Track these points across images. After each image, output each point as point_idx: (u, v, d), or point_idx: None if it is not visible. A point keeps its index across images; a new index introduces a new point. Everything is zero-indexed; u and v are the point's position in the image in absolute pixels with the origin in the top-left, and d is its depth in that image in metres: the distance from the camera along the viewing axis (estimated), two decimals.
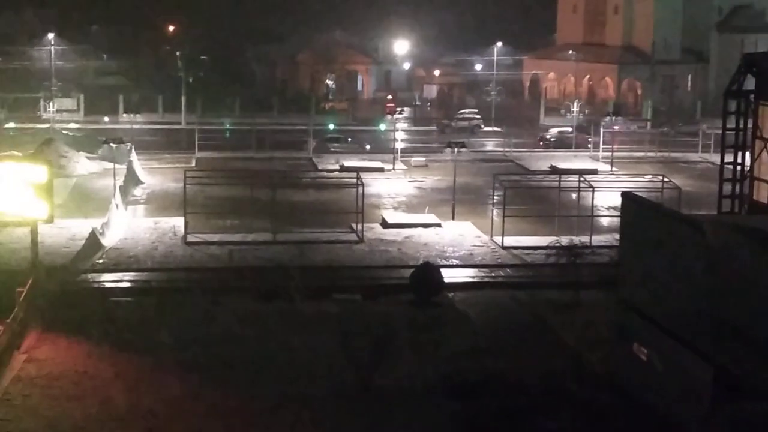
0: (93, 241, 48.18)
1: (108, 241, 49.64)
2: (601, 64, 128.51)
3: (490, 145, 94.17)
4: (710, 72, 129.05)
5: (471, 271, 47.03)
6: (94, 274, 44.87)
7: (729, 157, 46.26)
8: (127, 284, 44.17)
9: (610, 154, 79.48)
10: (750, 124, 45.98)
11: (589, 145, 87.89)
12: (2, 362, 33.29)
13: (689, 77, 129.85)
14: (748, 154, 46.24)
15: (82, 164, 71.61)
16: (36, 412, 30.09)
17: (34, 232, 39.95)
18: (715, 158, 54.32)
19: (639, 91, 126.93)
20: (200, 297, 40.91)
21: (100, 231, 49.67)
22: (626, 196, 35.60)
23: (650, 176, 61.70)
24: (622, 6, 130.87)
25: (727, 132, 46.54)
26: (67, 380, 32.57)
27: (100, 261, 46.81)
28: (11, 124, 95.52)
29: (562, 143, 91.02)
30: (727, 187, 46.62)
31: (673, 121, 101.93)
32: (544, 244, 48.73)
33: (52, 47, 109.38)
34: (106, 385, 32.24)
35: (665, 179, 56.70)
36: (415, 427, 29.55)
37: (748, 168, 46.23)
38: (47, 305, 38.59)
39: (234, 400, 31.25)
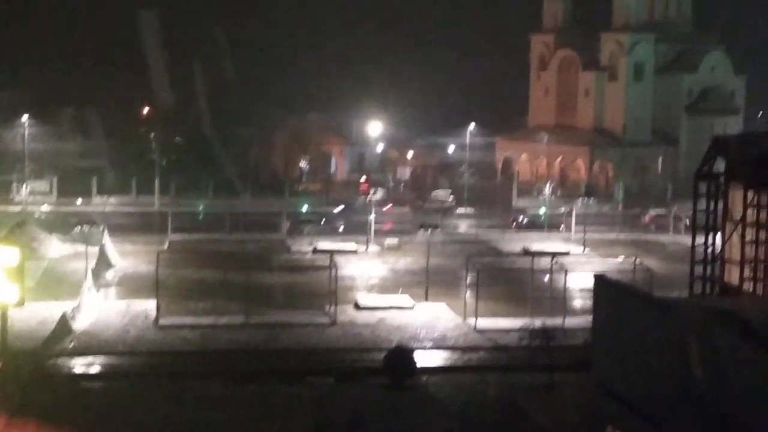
0: (64, 324, 47.79)
1: (79, 324, 49.24)
2: (572, 146, 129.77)
3: (463, 226, 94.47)
4: (681, 154, 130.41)
5: (444, 354, 46.86)
6: (65, 359, 44.42)
7: (700, 239, 46.55)
8: (97, 368, 43.73)
9: (582, 235, 79.83)
10: (720, 206, 46.38)
11: (562, 227, 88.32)
12: None
13: (660, 159, 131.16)
14: (719, 236, 46.57)
15: (55, 247, 71.27)
16: None
17: (4, 316, 39.66)
18: (686, 240, 54.59)
19: (610, 173, 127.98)
20: (171, 381, 40.51)
21: (71, 314, 49.31)
22: (599, 278, 35.69)
23: (622, 258, 62.01)
24: (593, 89, 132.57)
25: (699, 213, 46.90)
26: None
27: (71, 345, 46.38)
28: None
29: (534, 224, 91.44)
30: (699, 269, 46.83)
31: (645, 202, 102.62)
32: (518, 327, 48.58)
33: (26, 129, 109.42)
34: None
35: (637, 261, 56.94)
36: None
37: (719, 250, 46.52)
38: (17, 390, 38.11)
39: None
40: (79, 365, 43.93)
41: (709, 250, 46.68)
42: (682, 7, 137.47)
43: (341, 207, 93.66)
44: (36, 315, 49.40)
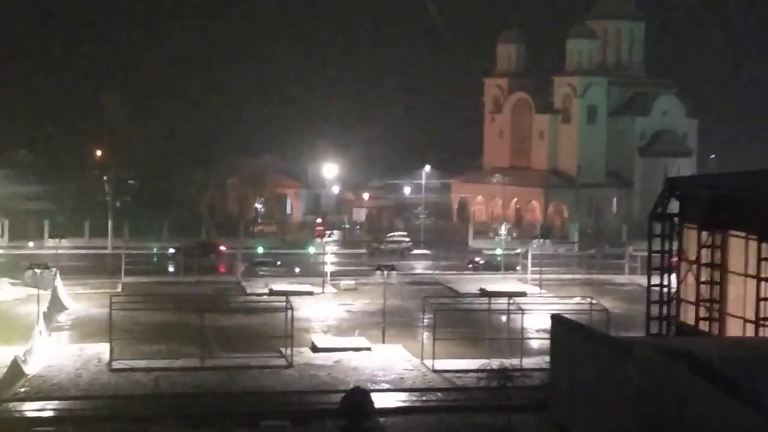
0: (15, 369, 47.00)
1: (31, 368, 48.44)
2: (527, 187, 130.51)
3: (420, 267, 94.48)
4: (634, 195, 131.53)
5: (402, 396, 46.58)
6: (17, 403, 43.65)
7: (656, 279, 46.77)
8: (50, 413, 42.98)
9: (538, 276, 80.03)
10: (675, 246, 46.69)
11: (518, 268, 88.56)
12: None
13: (614, 200, 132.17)
14: (674, 276, 46.82)
15: (5, 290, 70.38)
16: None
17: None
18: (642, 280, 54.87)
19: (565, 214, 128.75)
20: (126, 425, 39.95)
21: (23, 358, 48.51)
22: (555, 318, 35.74)
23: (579, 298, 62.07)
24: (547, 131, 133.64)
25: (653, 254, 47.17)
26: None
27: (23, 389, 45.58)
28: None
29: (490, 265, 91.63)
30: (655, 309, 47.03)
31: (600, 243, 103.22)
32: (475, 367, 48.39)
33: None
34: None
35: (593, 301, 57.08)
36: None
37: (675, 290, 46.75)
38: None
39: None
40: (32, 410, 43.15)
41: (665, 290, 46.90)
42: (634, 51, 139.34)
43: (173, 250, 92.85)
44: None
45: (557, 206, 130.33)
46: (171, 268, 72.18)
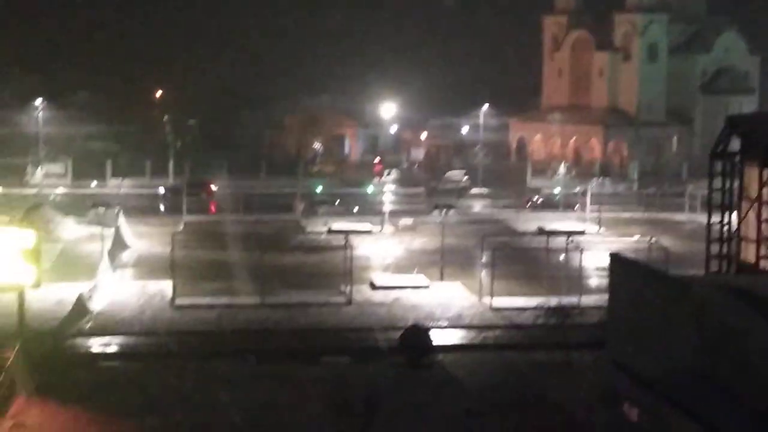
0: (80, 305, 48.00)
1: (96, 305, 49.45)
2: (586, 126, 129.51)
3: (478, 206, 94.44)
4: (695, 133, 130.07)
5: (460, 333, 46.89)
6: (82, 339, 44.61)
7: (716, 217, 46.48)
8: (114, 348, 43.92)
9: (597, 215, 79.71)
10: (736, 185, 46.30)
11: (577, 206, 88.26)
12: None
13: (674, 138, 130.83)
14: (735, 214, 46.48)
15: (70, 229, 71.47)
16: None
17: (21, 297, 39.76)
18: (702, 218, 54.49)
19: (625, 153, 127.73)
20: (188, 361, 40.69)
21: (88, 295, 49.52)
22: (614, 256, 35.66)
23: (638, 237, 61.90)
24: (607, 69, 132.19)
25: (714, 192, 46.84)
26: None
27: (88, 325, 46.57)
28: None
29: (549, 204, 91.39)
30: (715, 247, 46.78)
31: (660, 181, 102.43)
32: (533, 305, 48.65)
33: (40, 113, 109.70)
34: None
35: (652, 239, 56.88)
36: None
37: (736, 228, 46.44)
38: (34, 370, 38.29)
39: None
40: (97, 345, 44.13)
41: (725, 228, 46.63)
42: None
43: (162, 189, 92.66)
44: (52, 296, 49.51)
45: (616, 145, 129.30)
46: (162, 208, 71.50)
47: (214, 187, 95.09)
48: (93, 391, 37.20)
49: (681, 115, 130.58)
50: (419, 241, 71.11)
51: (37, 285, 39.60)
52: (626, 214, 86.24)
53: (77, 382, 38.07)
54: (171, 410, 35.46)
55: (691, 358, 29.20)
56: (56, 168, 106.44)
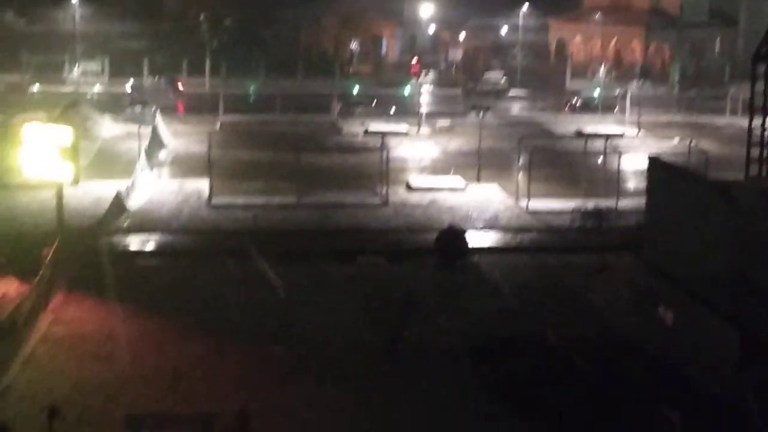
0: (118, 203, 48.33)
1: (133, 203, 49.77)
2: (627, 27, 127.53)
3: (516, 108, 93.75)
4: (739, 35, 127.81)
5: (496, 235, 46.86)
6: (120, 236, 44.99)
7: (757, 121, 45.87)
8: (152, 246, 44.27)
9: (636, 117, 78.91)
10: None
11: (616, 109, 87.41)
12: (29, 323, 33.48)
13: (717, 40, 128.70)
14: None
15: (107, 127, 71.69)
16: (63, 372, 30.22)
17: (59, 194, 40.03)
18: (743, 122, 53.82)
19: (666, 54, 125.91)
20: (224, 260, 40.99)
21: (125, 193, 49.82)
22: (653, 159, 35.40)
23: (677, 140, 61.32)
24: None
25: (756, 95, 46.16)
26: (94, 341, 32.73)
27: (126, 223, 46.91)
28: (36, 87, 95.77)
29: (588, 106, 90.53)
30: (755, 151, 46.25)
31: (701, 84, 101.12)
32: (570, 208, 48.50)
33: (77, 10, 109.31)
34: (131, 345, 32.37)
35: (692, 143, 56.32)
36: (441, 390, 29.50)
37: None
38: (73, 266, 38.75)
39: (257, 361, 31.31)
40: (134, 243, 44.50)
41: (766, 132, 46.03)
42: None
43: (129, 88, 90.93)
44: (90, 194, 49.90)
45: (658, 46, 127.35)
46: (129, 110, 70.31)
47: (181, 87, 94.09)
48: (130, 288, 37.65)
49: (725, 16, 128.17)
50: (456, 143, 70.80)
51: (75, 182, 39.83)
52: (666, 117, 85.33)
53: (114, 278, 38.50)
54: (206, 308, 35.84)
55: (728, 262, 29.08)
56: (93, 66, 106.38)
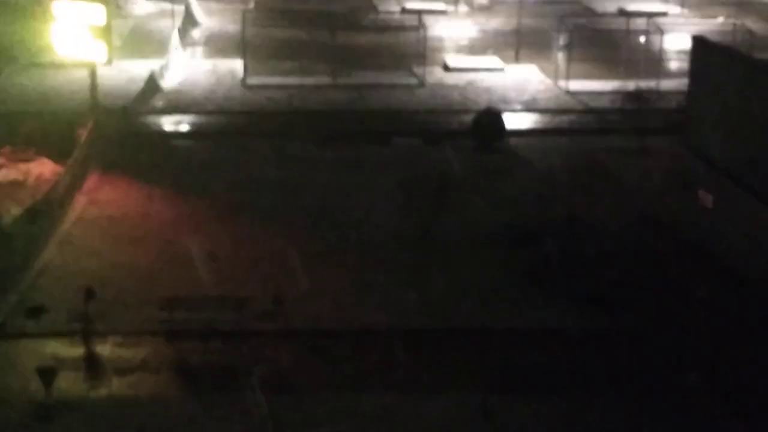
0: (152, 83, 47.94)
1: (167, 83, 49.39)
2: None
3: None
4: None
5: (534, 117, 46.20)
6: (154, 116, 44.72)
7: None
8: (187, 127, 44.03)
9: None
10: None
11: None
12: (64, 203, 33.54)
13: None
14: None
15: (140, 5, 70.73)
16: (98, 254, 30.35)
17: (92, 74, 39.75)
18: None
19: None
20: (260, 140, 40.78)
21: (159, 73, 49.41)
22: (697, 39, 34.49)
23: (722, 18, 59.88)
24: None
25: None
26: (129, 222, 32.80)
27: (160, 103, 46.61)
28: None
29: None
30: None
31: None
32: (610, 89, 47.67)
33: None
34: (166, 226, 32.42)
35: (737, 22, 54.99)
36: (477, 273, 29.40)
37: None
38: (108, 147, 38.65)
39: (293, 243, 31.23)
40: (168, 123, 44.26)
41: None
42: None
43: None
44: (124, 73, 49.41)
45: None
46: None
47: None
48: (164, 169, 37.57)
49: None
50: (495, 22, 69.45)
51: (108, 62, 39.53)
52: None
53: (149, 159, 38.40)
54: (241, 189, 35.74)
55: None
56: None
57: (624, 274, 28.56)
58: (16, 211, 32.20)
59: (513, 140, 42.16)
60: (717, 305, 26.91)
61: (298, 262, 29.67)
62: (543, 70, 53.68)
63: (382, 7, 74.79)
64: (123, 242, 31.23)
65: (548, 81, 51.69)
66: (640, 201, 35.03)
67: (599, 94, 48.32)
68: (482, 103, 46.48)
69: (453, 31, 66.05)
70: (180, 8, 62.99)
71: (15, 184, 35.25)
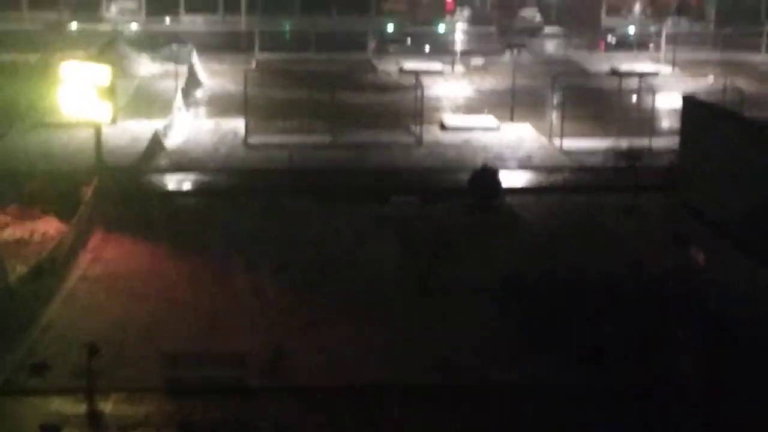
0: (156, 142, 48.77)
1: (171, 142, 50.20)
2: None
3: (551, 46, 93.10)
4: None
5: (529, 175, 46.99)
6: (157, 175, 45.47)
7: None
8: (189, 185, 44.76)
9: (671, 55, 78.26)
10: None
11: (651, 46, 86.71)
12: (68, 261, 34.11)
13: None
14: None
15: (144, 65, 71.94)
16: (102, 311, 30.84)
17: (97, 133, 40.55)
18: None
19: None
20: (261, 198, 41.43)
21: (163, 132, 50.25)
22: (687, 98, 35.33)
23: (712, 78, 60.87)
24: None
25: None
26: (133, 279, 33.33)
27: (163, 162, 47.37)
28: (74, 25, 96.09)
29: (623, 44, 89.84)
30: None
31: (737, 21, 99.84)
32: (604, 147, 48.49)
33: None
34: (170, 284, 32.95)
35: (728, 81, 55.98)
36: (474, 327, 29.91)
37: None
38: (112, 205, 39.32)
39: (293, 298, 31.82)
40: (172, 182, 45.00)
41: None
42: None
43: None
44: (128, 132, 50.43)
45: None
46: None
47: None
48: (167, 227, 38.21)
49: None
50: (490, 82, 70.61)
51: (113, 121, 40.37)
52: (702, 55, 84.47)
53: (152, 217, 39.06)
54: (243, 245, 36.34)
55: (763, 203, 29.10)
56: (130, 4, 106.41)
57: (619, 329, 29.07)
58: (21, 269, 32.81)
59: (509, 197, 42.89)
60: (712, 360, 27.28)
61: (299, 318, 30.26)
62: (537, 128, 54.62)
63: (380, 67, 75.99)
64: (126, 299, 31.74)
65: (543, 139, 52.57)
66: (633, 257, 35.65)
67: (593, 152, 49.15)
68: (478, 161, 47.24)
69: (449, 91, 67.13)
70: (183, 69, 64.07)
71: (20, 243, 35.84)
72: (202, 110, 60.76)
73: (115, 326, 29.67)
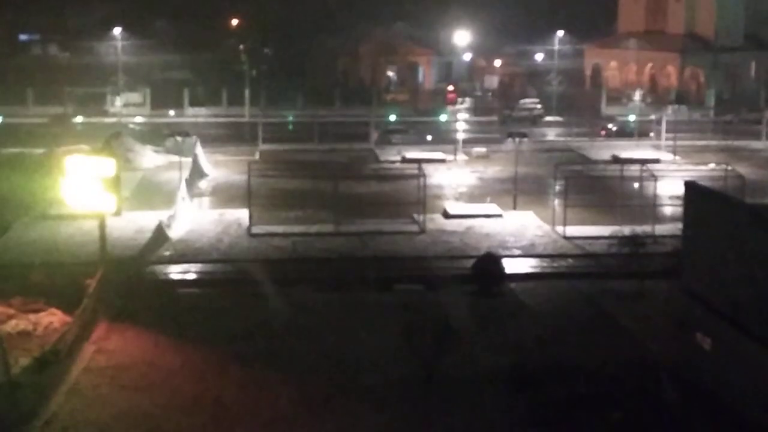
0: (160, 233, 48.96)
1: (174, 233, 50.38)
2: (662, 52, 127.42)
3: (552, 134, 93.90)
4: None
5: (533, 262, 47.07)
6: (162, 266, 45.58)
7: None
8: (193, 276, 44.83)
9: (672, 142, 78.86)
10: None
11: (652, 134, 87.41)
12: (72, 353, 34.03)
13: (753, 64, 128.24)
14: None
15: (149, 158, 72.58)
16: (105, 402, 30.69)
17: (102, 225, 40.70)
18: None
19: (702, 79, 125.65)
20: (264, 288, 41.44)
21: (167, 223, 50.45)
22: (689, 185, 35.47)
23: (714, 165, 61.22)
24: None
25: None
26: (136, 371, 33.20)
27: (167, 253, 47.52)
28: (79, 119, 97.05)
29: (623, 132, 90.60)
30: None
31: (737, 109, 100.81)
32: (607, 234, 48.57)
33: (119, 42, 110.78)
34: (173, 375, 32.82)
35: (729, 167, 56.30)
36: (479, 417, 29.73)
37: None
38: (116, 297, 39.33)
39: (299, 389, 31.67)
40: (176, 272, 45.07)
41: None
42: None
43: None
44: (133, 224, 50.69)
45: (693, 71, 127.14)
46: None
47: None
48: (173, 318, 38.16)
49: (760, 40, 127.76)
50: (492, 170, 71.09)
51: (117, 213, 40.55)
52: (702, 142, 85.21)
53: (157, 308, 39.05)
54: (247, 337, 36.24)
55: (766, 288, 29.08)
56: (135, 97, 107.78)
57: (626, 417, 28.88)
58: (25, 361, 32.75)
59: (513, 284, 42.89)
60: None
61: (304, 408, 30.09)
62: (540, 216, 54.86)
63: (383, 157, 76.58)
64: (130, 391, 31.60)
65: (545, 227, 52.75)
66: (638, 344, 35.55)
67: (596, 238, 49.31)
68: (482, 248, 47.41)
69: (452, 179, 67.57)
70: (187, 160, 64.57)
71: (24, 335, 35.78)
72: (206, 201, 61.12)
73: (119, 418, 29.52)
